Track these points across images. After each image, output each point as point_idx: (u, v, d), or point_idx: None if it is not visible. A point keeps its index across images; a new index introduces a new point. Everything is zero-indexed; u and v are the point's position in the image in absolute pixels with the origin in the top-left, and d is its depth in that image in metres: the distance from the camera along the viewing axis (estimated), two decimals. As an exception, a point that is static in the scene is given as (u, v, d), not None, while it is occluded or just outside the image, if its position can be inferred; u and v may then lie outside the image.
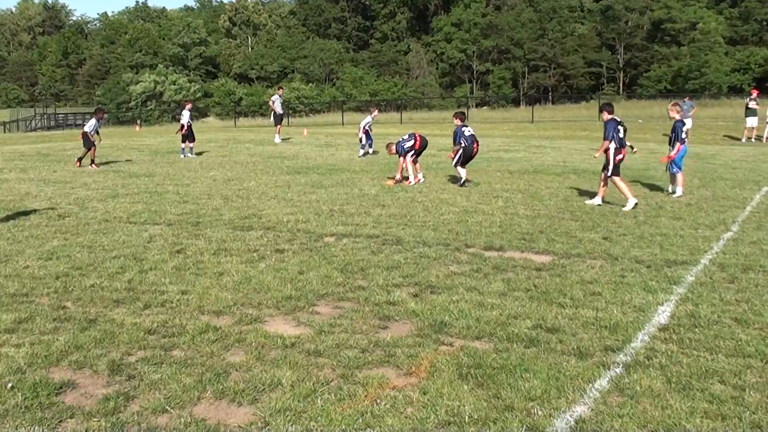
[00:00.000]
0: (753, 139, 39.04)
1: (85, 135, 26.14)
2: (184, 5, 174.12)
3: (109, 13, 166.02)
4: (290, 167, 25.04)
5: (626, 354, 7.12)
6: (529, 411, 5.89)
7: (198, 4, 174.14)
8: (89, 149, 25.88)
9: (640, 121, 48.39)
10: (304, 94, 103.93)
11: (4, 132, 77.03)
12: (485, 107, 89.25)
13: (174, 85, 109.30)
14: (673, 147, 18.22)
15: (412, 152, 20.64)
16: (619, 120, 16.94)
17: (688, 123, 39.93)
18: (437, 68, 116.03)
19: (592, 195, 17.05)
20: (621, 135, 16.75)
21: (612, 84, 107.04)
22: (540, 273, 10.32)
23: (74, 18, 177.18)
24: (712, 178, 21.63)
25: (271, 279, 9.99)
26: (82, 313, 8.52)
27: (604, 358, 6.99)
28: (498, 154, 30.81)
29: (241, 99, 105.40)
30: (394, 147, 20.99)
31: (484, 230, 13.43)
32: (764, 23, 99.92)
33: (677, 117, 18.26)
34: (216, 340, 7.57)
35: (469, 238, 12.70)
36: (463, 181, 19.94)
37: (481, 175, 22.18)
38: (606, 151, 16.51)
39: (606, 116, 17.00)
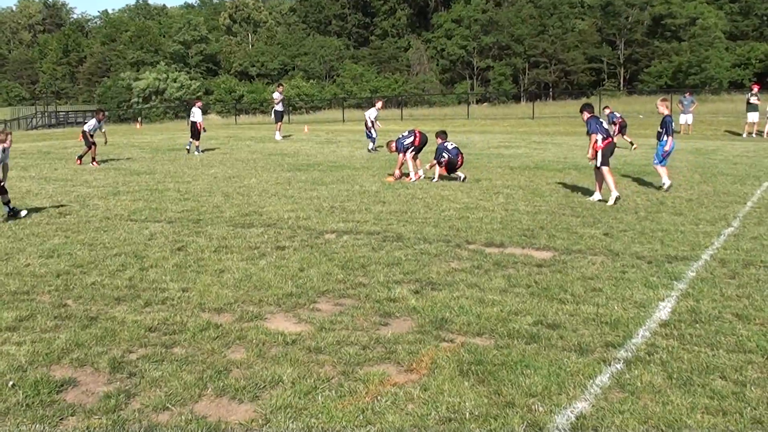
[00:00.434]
0: (754, 135, 39.04)
1: (84, 134, 26.15)
2: (185, 2, 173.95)
3: (110, 11, 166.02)
4: (291, 164, 25.05)
5: (627, 350, 7.11)
6: (529, 407, 5.89)
7: (198, 2, 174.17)
8: (89, 147, 25.90)
9: (641, 116, 48.36)
10: (305, 91, 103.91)
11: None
12: (486, 103, 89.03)
13: (175, 82, 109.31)
14: (664, 141, 18.19)
15: (412, 149, 20.64)
16: (599, 118, 16.98)
17: (689, 118, 40.08)
18: (438, 65, 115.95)
19: (593, 191, 17.02)
20: (605, 126, 16.85)
21: (613, 80, 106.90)
22: (541, 269, 10.31)
23: (75, 16, 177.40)
24: (712, 174, 21.62)
25: (272, 276, 10.00)
26: (83, 310, 8.53)
27: (605, 354, 6.99)
28: (499, 150, 30.82)
29: (242, 96, 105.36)
30: (394, 144, 21.00)
31: (484, 226, 13.43)
32: (765, 18, 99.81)
33: (666, 112, 18.27)
34: (217, 337, 7.57)
35: (469, 235, 12.70)
36: (436, 179, 20.26)
37: (481, 172, 22.17)
38: (595, 144, 16.48)
39: (586, 116, 17.03)
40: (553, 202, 16.31)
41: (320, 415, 5.79)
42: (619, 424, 5.62)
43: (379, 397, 6.07)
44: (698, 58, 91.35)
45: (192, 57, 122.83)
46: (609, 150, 16.52)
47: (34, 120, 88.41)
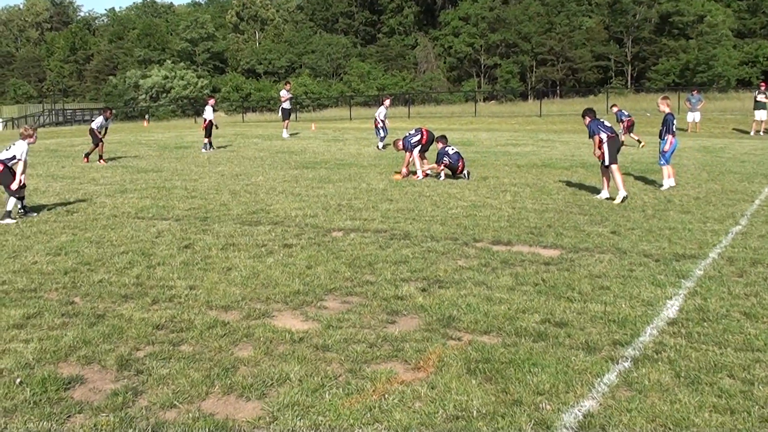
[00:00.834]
0: (762, 133, 38.99)
1: (92, 132, 26.18)
2: (192, 0, 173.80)
3: (117, 9, 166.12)
4: (298, 162, 25.05)
5: (635, 348, 7.10)
6: (537, 405, 5.89)
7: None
8: (97, 145, 25.93)
9: (648, 114, 48.27)
10: (312, 89, 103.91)
11: (13, 128, 77.19)
12: (493, 101, 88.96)
13: (182, 80, 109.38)
14: (664, 140, 18.19)
15: (420, 147, 20.64)
16: (600, 120, 17.01)
17: (697, 116, 40.01)
18: (445, 62, 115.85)
19: (600, 190, 16.99)
20: (608, 124, 16.91)
21: (620, 77, 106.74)
22: (548, 267, 10.30)
23: (82, 14, 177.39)
24: (720, 172, 21.59)
25: (279, 274, 10.00)
26: (90, 308, 8.54)
27: (613, 353, 6.98)
28: (506, 148, 30.80)
29: (249, 94, 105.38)
30: (401, 143, 21.02)
31: (492, 224, 13.42)
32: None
33: (667, 110, 18.26)
34: (224, 335, 7.57)
35: (477, 233, 12.69)
36: (442, 177, 20.32)
37: (489, 170, 22.17)
38: (600, 143, 16.44)
39: (587, 120, 17.05)
40: (561, 200, 16.29)
41: (327, 412, 5.79)
42: (626, 422, 5.61)
43: (386, 395, 6.07)
44: (706, 56, 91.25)
45: (199, 55, 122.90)
46: (615, 147, 16.48)
47: (42, 118, 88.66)
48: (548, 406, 5.87)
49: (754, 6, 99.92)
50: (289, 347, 7.19)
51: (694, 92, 42.48)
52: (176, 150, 31.42)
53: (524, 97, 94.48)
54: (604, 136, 16.43)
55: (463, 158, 20.49)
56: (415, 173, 20.55)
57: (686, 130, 39.61)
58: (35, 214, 14.90)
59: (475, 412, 5.78)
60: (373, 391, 6.16)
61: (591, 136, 16.83)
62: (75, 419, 5.77)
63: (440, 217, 14.18)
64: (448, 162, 20.16)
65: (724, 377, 6.43)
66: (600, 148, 16.41)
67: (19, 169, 14.69)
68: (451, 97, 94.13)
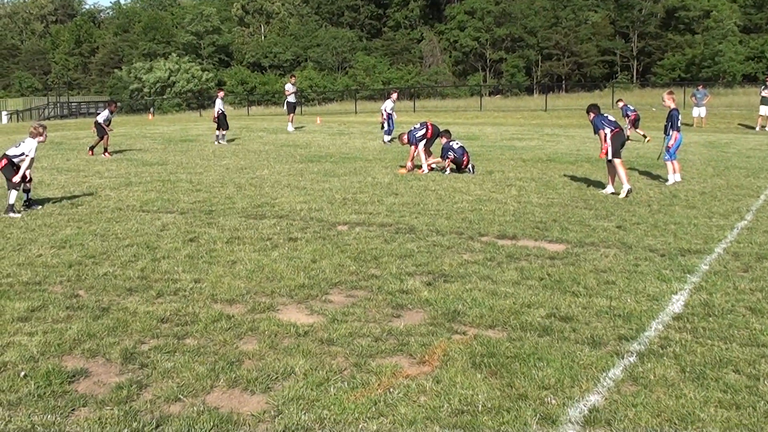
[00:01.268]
0: (767, 128, 38.88)
1: (98, 125, 26.16)
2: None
3: (122, 2, 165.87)
4: (303, 156, 25.05)
5: (640, 343, 7.09)
6: (542, 400, 5.88)
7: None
8: (102, 138, 25.92)
9: (653, 109, 48.19)
10: (317, 83, 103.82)
11: (17, 121, 77.22)
12: (498, 96, 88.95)
13: (186, 73, 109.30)
14: (669, 136, 18.17)
15: (425, 141, 20.63)
16: (605, 115, 17.05)
17: (702, 111, 39.95)
18: (450, 56, 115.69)
19: (605, 184, 16.97)
20: (611, 119, 16.90)
21: (626, 72, 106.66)
22: (554, 262, 10.29)
23: (87, 6, 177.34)
24: (726, 167, 21.57)
25: (284, 267, 9.99)
26: (95, 301, 8.53)
27: (618, 347, 6.97)
28: (511, 142, 30.78)
29: (254, 88, 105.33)
30: (406, 137, 21.02)
31: (497, 219, 13.41)
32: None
33: (672, 105, 18.23)
34: (229, 328, 7.57)
35: (482, 227, 12.68)
36: (448, 171, 20.33)
37: (494, 164, 22.15)
38: (605, 138, 16.41)
39: (591, 116, 17.08)
40: (566, 194, 16.28)
41: (332, 406, 5.78)
42: (632, 417, 5.60)
43: (391, 389, 6.06)
44: (712, 51, 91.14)
45: (204, 48, 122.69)
46: (619, 141, 16.46)
47: (47, 111, 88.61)
48: (553, 401, 5.86)
49: (760, 1, 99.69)
50: (294, 341, 7.19)
51: (700, 87, 42.46)
52: (181, 143, 31.42)
53: (530, 91, 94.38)
54: (608, 130, 16.41)
55: (467, 152, 20.47)
56: (420, 167, 20.54)
57: (692, 125, 39.60)
58: (40, 207, 14.89)
59: (480, 406, 5.77)
60: (378, 385, 6.16)
61: (596, 131, 16.83)
62: (79, 412, 5.77)
63: (445, 211, 14.17)
64: (452, 156, 20.15)
65: (729, 372, 6.42)
66: (605, 142, 16.38)
67: (24, 164, 14.67)
68: (457, 92, 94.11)
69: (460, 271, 9.77)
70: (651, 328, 7.52)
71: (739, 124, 42.20)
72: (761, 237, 11.92)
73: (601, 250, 10.98)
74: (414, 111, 59.43)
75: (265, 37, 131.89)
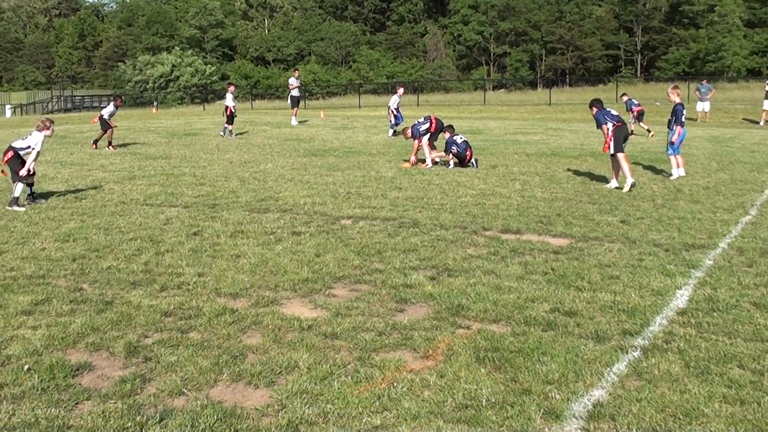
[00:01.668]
0: (771, 123, 38.87)
1: (102, 119, 26.15)
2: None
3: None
4: (307, 150, 25.04)
5: (644, 338, 7.09)
6: (546, 394, 5.87)
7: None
8: (105, 132, 25.93)
9: (658, 103, 48.14)
10: (321, 77, 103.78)
11: (21, 114, 77.23)
12: (502, 90, 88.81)
13: (190, 67, 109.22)
14: (673, 131, 18.16)
15: (429, 135, 20.62)
16: (607, 110, 17.06)
17: (706, 106, 39.90)
18: (454, 50, 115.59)
19: (609, 179, 16.95)
20: (614, 113, 16.89)
21: (630, 66, 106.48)
22: (557, 256, 10.28)
23: (90, 0, 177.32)
24: (730, 162, 21.54)
25: (288, 261, 9.99)
26: (98, 295, 8.54)
27: (622, 342, 6.96)
28: (515, 137, 30.75)
29: (257, 82, 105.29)
30: (409, 131, 21.05)
31: (501, 213, 13.40)
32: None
33: (677, 100, 18.22)
34: (233, 322, 7.57)
35: (486, 221, 12.67)
36: (452, 165, 20.34)
37: (498, 158, 22.14)
38: (608, 133, 16.42)
39: (594, 111, 17.07)
40: (570, 189, 16.26)
41: (336, 400, 5.78)
42: (636, 412, 5.59)
43: (395, 384, 6.06)
44: (716, 46, 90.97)
45: (208, 42, 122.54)
46: (621, 135, 16.44)
47: (50, 104, 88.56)
48: (557, 396, 5.86)
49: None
50: (298, 335, 7.19)
51: (704, 82, 42.38)
52: (185, 137, 31.42)
53: (533, 85, 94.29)
54: (610, 125, 16.40)
55: (471, 147, 20.45)
56: (423, 161, 20.53)
57: (696, 120, 39.56)
58: (44, 200, 14.90)
59: (484, 401, 5.77)
60: (382, 379, 6.16)
61: (599, 126, 16.83)
62: (83, 406, 5.77)
63: (449, 206, 14.16)
64: (456, 151, 20.14)
65: (733, 367, 6.41)
66: (607, 136, 16.37)
67: (30, 158, 14.67)
68: (461, 86, 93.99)
69: (464, 266, 9.76)
70: (655, 323, 7.52)
71: (743, 119, 42.13)
72: (766, 232, 11.90)
73: (605, 244, 10.97)
74: (417, 105, 59.37)
75: (268, 30, 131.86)
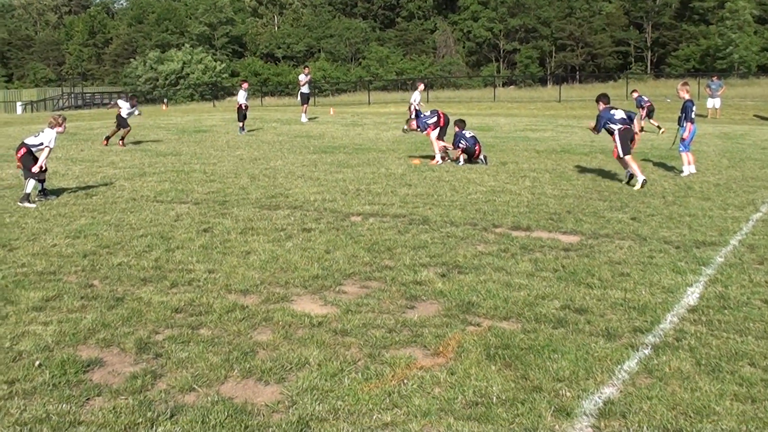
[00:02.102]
0: (782, 119, 38.77)
1: (120, 117, 26.06)
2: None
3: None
4: (317, 146, 25.05)
5: (655, 335, 7.08)
6: (557, 392, 5.87)
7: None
8: (119, 129, 25.93)
9: (668, 99, 48.03)
10: (330, 74, 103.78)
11: (32, 111, 77.37)
12: (512, 86, 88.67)
13: (200, 64, 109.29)
14: (683, 127, 18.14)
15: (438, 129, 20.58)
16: (613, 107, 17.24)
17: (717, 102, 39.80)
18: (464, 47, 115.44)
19: (622, 176, 16.93)
20: (620, 115, 16.89)
21: (640, 63, 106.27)
22: (568, 253, 10.27)
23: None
24: (741, 158, 21.48)
25: (298, 258, 10.00)
26: (109, 291, 8.56)
27: (633, 340, 6.95)
28: (525, 133, 30.72)
29: (267, 79, 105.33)
30: (414, 123, 21.06)
31: (511, 210, 13.39)
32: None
33: (687, 97, 18.21)
34: (243, 318, 7.58)
35: (496, 218, 12.66)
36: (462, 162, 20.39)
37: (508, 155, 22.12)
38: (611, 135, 16.72)
39: (600, 107, 17.16)
40: (580, 185, 16.24)
41: (346, 397, 5.79)
42: (647, 410, 5.58)
43: (405, 381, 6.06)
44: (726, 42, 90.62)
45: (218, 39, 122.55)
46: (627, 137, 16.44)
47: (61, 101, 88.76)
48: (568, 393, 5.85)
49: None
50: (308, 331, 7.20)
51: (715, 78, 42.29)
52: (195, 134, 31.46)
53: (543, 82, 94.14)
54: (615, 128, 16.43)
55: (480, 143, 20.44)
56: (433, 158, 20.51)
57: (706, 117, 39.48)
58: (54, 197, 14.93)
59: (494, 398, 5.76)
60: (392, 376, 6.16)
61: (597, 128, 17.14)
62: (94, 402, 5.79)
63: (459, 202, 14.15)
64: (464, 146, 20.13)
65: (745, 365, 6.40)
66: (615, 141, 16.41)
67: (42, 155, 14.70)
68: (470, 82, 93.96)
69: (474, 263, 9.76)
70: (666, 320, 7.50)
71: (754, 115, 42.02)
72: (777, 229, 11.88)
73: (615, 241, 10.95)
74: (427, 101, 59.30)
75: (278, 27, 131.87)
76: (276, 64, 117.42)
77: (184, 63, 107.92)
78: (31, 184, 14.49)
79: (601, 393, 5.86)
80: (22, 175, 14.81)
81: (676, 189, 15.81)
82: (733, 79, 68.00)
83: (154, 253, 10.35)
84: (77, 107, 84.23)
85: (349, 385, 6.00)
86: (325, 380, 6.08)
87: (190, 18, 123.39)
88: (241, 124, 31.79)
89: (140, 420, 5.46)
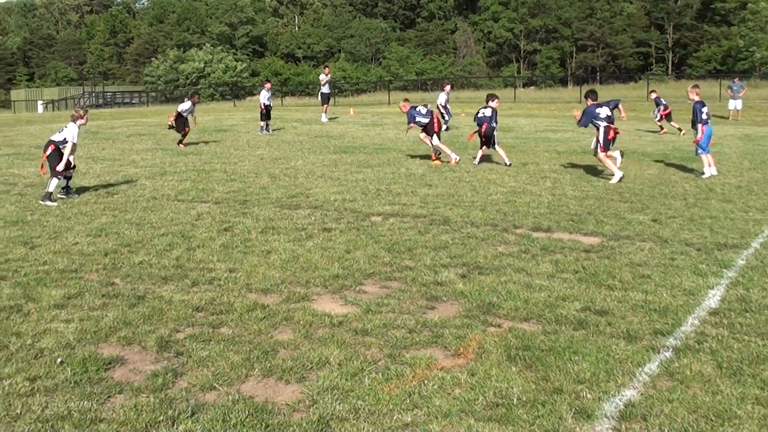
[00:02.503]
0: (804, 121, 38.55)
1: (178, 115, 25.90)
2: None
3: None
4: (337, 146, 25.07)
5: (676, 338, 7.05)
6: (578, 394, 5.85)
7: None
8: (183, 129, 25.75)
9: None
10: (351, 74, 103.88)
11: (53, 110, 77.69)
12: (532, 87, 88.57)
13: (220, 63, 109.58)
14: (696, 130, 18.17)
15: (427, 131, 20.58)
16: (601, 104, 18.06)
17: (739, 104, 39.63)
18: (484, 47, 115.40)
19: (643, 178, 16.88)
20: (605, 113, 17.68)
21: (661, 64, 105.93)
22: (588, 255, 10.24)
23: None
24: (762, 160, 21.37)
25: (319, 258, 10.01)
26: (130, 289, 8.60)
27: (654, 342, 6.93)
28: (545, 134, 30.66)
29: (288, 79, 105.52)
30: (407, 107, 20.88)
31: (532, 211, 13.37)
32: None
33: (696, 99, 18.26)
34: (264, 317, 7.60)
35: (516, 219, 12.64)
36: (478, 161, 20.46)
37: (528, 156, 22.09)
38: (597, 130, 17.62)
39: (588, 102, 17.94)
40: (601, 187, 16.20)
41: (367, 397, 5.79)
42: (668, 412, 5.56)
43: (425, 381, 6.06)
44: (748, 43, 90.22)
45: (238, 39, 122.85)
46: (608, 135, 17.34)
47: (82, 100, 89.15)
48: (589, 395, 5.84)
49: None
50: (329, 331, 7.21)
51: (736, 79, 42.08)
52: (215, 133, 31.57)
53: (564, 83, 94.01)
54: (601, 124, 17.33)
55: (487, 122, 20.03)
56: (438, 158, 20.50)
57: (728, 118, 39.34)
58: (77, 195, 15.00)
59: (515, 399, 5.76)
60: (413, 376, 6.16)
61: (583, 124, 17.83)
62: (115, 399, 5.81)
63: (480, 203, 14.14)
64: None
65: (766, 369, 6.36)
66: (600, 138, 17.15)
67: (66, 150, 14.78)
68: (491, 83, 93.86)
69: (495, 264, 9.74)
70: (687, 323, 7.47)
71: (776, 117, 41.82)
72: (799, 232, 11.82)
73: (636, 243, 10.92)
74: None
75: (298, 27, 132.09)
76: (296, 64, 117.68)
77: (205, 62, 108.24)
78: (54, 183, 14.57)
79: (622, 395, 5.84)
80: (49, 173, 14.87)
81: (697, 191, 15.74)
82: (754, 80, 67.63)
83: (175, 251, 10.39)
84: (98, 106, 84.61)
85: (369, 385, 6.01)
86: (346, 380, 6.09)
87: (211, 17, 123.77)
88: (263, 123, 31.88)
89: (161, 418, 5.48)
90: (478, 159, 20.19)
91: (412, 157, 21.72)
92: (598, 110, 17.56)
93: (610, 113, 17.62)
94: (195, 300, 8.15)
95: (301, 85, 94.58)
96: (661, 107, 32.00)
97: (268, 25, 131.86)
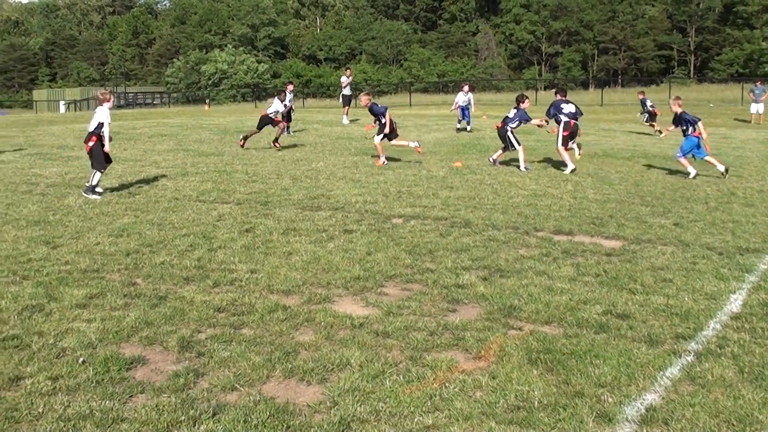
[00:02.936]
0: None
1: (266, 116, 25.81)
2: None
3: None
4: (358, 148, 25.06)
5: (698, 342, 7.02)
6: (599, 397, 5.84)
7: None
8: (280, 126, 25.57)
9: (711, 105, 47.69)
10: (372, 76, 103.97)
11: (75, 110, 78.05)
12: (554, 89, 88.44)
13: (243, 64, 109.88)
14: (687, 135, 18.49)
15: (382, 135, 20.58)
16: (568, 100, 19.72)
17: (761, 108, 39.50)
18: (506, 50, 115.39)
19: (666, 182, 16.82)
20: (567, 110, 19.24)
21: (683, 67, 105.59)
22: (610, 258, 10.22)
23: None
24: (785, 165, 21.27)
25: (340, 259, 10.02)
26: (152, 289, 8.62)
27: (676, 346, 6.91)
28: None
29: (309, 80, 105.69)
30: (369, 101, 21.02)
31: (553, 214, 13.34)
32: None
33: (679, 110, 18.60)
34: (285, 319, 7.61)
35: (538, 222, 12.62)
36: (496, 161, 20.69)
37: (549, 158, 22.03)
38: (558, 124, 19.19)
39: (558, 97, 19.78)
40: (622, 190, 16.15)
41: (388, 399, 5.79)
42: (689, 417, 5.55)
43: (446, 384, 6.06)
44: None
45: (260, 40, 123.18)
46: (569, 130, 18.97)
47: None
48: (610, 399, 5.82)
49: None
50: (350, 333, 7.21)
51: (758, 83, 41.90)
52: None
53: (585, 85, 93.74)
54: (563, 118, 18.95)
55: (503, 122, 20.16)
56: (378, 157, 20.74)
57: (749, 122, 39.21)
58: (99, 196, 15.06)
59: (536, 402, 5.75)
60: (434, 379, 6.16)
61: (548, 109, 19.38)
62: (137, 399, 5.84)
63: (501, 206, 14.12)
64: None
65: (789, 374, 6.34)
66: (554, 131, 19.05)
67: (106, 133, 15.08)
68: (512, 85, 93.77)
69: (516, 267, 9.73)
70: (709, 327, 7.45)
71: (798, 122, 41.59)
72: (822, 236, 11.75)
73: (658, 247, 10.89)
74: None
75: (320, 29, 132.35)
76: (318, 65, 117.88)
77: (228, 64, 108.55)
78: (98, 176, 14.84)
79: (644, 399, 5.83)
80: (91, 165, 15.13)
81: (719, 195, 15.68)
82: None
83: (197, 252, 10.42)
84: (120, 107, 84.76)
85: (390, 386, 6.01)
86: (367, 381, 6.09)
87: (233, 19, 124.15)
88: (283, 124, 31.80)
89: (183, 418, 5.50)
90: (497, 155, 20.28)
91: (434, 159, 21.70)
92: (562, 106, 19.02)
93: (574, 111, 19.12)
94: (216, 301, 8.17)
95: (323, 87, 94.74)
96: (648, 107, 32.66)
97: (290, 26, 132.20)
